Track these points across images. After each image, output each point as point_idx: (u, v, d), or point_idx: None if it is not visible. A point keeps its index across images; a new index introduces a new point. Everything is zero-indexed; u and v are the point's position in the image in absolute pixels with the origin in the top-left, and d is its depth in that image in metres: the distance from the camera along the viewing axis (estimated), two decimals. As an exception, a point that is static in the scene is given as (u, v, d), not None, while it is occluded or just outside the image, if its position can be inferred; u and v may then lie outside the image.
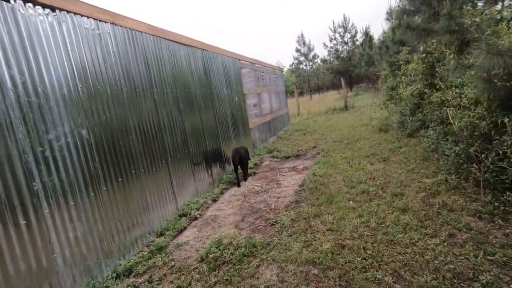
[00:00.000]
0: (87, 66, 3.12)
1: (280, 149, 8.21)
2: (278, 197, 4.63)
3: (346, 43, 38.88)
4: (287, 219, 3.66)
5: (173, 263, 3.10)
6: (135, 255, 3.38)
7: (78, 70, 3.01)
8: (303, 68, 41.63)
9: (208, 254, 3.10)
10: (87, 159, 2.98)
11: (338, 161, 5.86)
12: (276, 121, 11.30)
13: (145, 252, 3.37)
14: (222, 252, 3.11)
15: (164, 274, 2.93)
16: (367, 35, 29.90)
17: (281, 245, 3.10)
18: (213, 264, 2.92)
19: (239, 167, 5.79)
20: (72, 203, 2.77)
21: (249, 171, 6.28)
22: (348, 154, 6.25)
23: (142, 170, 3.78)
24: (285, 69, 50.06)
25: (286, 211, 3.98)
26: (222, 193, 5.26)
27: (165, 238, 3.64)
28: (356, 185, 4.38)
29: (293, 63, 42.57)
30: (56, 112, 2.72)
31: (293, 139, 9.79)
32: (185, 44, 5.17)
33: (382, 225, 3.09)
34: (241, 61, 8.05)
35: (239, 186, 5.53)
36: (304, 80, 42.90)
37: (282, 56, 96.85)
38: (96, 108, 3.18)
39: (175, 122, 4.62)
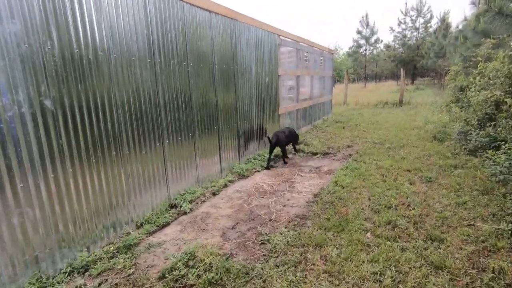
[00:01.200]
0: (59, 19, 2.58)
1: (310, 142, 7.31)
2: (285, 205, 3.90)
3: (417, 29, 34.52)
4: (282, 241, 2.95)
5: (132, 271, 2.62)
6: (102, 248, 2.99)
7: (46, 23, 2.48)
8: (361, 52, 38.22)
9: (172, 270, 2.56)
10: (49, 135, 2.53)
11: (370, 171, 4.87)
12: (315, 109, 10.25)
13: (111, 248, 2.95)
14: (188, 270, 2.55)
15: (116, 284, 2.47)
16: (443, 21, 25.98)
17: (260, 279, 2.43)
18: (170, 287, 2.37)
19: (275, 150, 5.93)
20: (21, 185, 2.37)
21: (269, 163, 5.63)
22: (386, 163, 5.20)
23: (127, 152, 3.30)
24: (341, 52, 46.66)
25: (285, 227, 3.26)
26: (226, 186, 4.68)
27: (138, 234, 3.19)
28: (383, 210, 3.46)
29: (352, 46, 39.23)
30: (7, 75, 2.25)
31: (329, 132, 8.75)
32: (208, 10, 4.44)
33: (400, 286, 2.23)
34: (280, 36, 7.09)
35: (267, 168, 5.55)
36: (361, 66, 39.53)
37: (342, 37, 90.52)
38: (69, 75, 2.68)
39: (180, 99, 4.03)
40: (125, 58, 3.20)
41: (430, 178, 4.38)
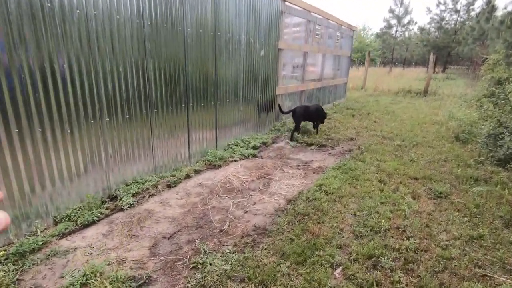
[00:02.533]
0: None
1: (308, 129, 6.38)
2: (247, 211, 3.13)
3: (457, 12, 31.20)
4: (219, 269, 2.20)
5: (6, 292, 1.97)
6: (-5, 249, 2.35)
7: None
8: (392, 33, 35.31)
9: (51, 300, 1.88)
10: None
11: (367, 174, 3.97)
12: (324, 92, 9.16)
13: (1, 253, 2.31)
14: (72, 304, 1.86)
15: (-27, 312, 1.83)
16: (489, 3, 23.10)
17: (162, 331, 1.71)
18: (32, 330, 1.70)
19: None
20: None
21: (250, 151, 4.85)
22: (390, 166, 4.26)
23: (39, 129, 2.56)
24: (370, 32, 43.53)
25: (234, 245, 2.51)
26: (189, 176, 3.92)
27: (44, 237, 2.51)
28: (367, 235, 2.61)
29: (383, 26, 36.21)
30: None
31: (335, 119, 7.74)
32: (178, -45, 3.48)
33: None
34: (286, 2, 5.99)
35: (291, 140, 5.72)
36: (390, 49, 36.68)
37: (372, 16, 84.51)
38: None
39: (130, 67, 3.21)
40: (30, 5, 2.37)
41: (440, 193, 3.44)
